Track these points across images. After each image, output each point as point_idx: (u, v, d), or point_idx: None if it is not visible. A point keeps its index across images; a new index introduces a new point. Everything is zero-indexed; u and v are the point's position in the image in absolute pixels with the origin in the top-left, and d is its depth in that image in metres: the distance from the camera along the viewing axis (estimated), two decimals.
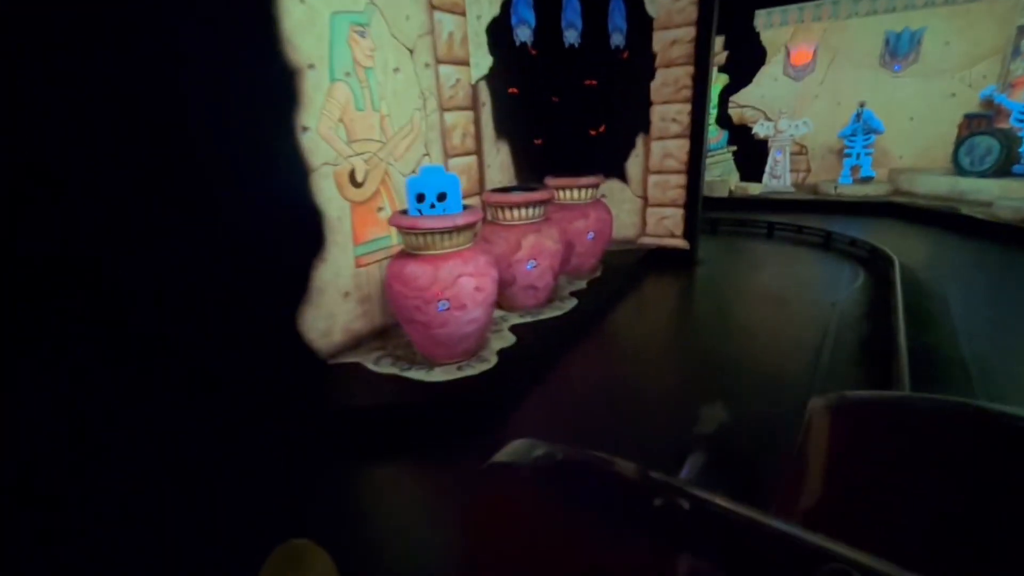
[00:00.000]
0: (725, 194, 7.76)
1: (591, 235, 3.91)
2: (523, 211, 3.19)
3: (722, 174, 8.22)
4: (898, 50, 7.22)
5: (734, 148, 8.35)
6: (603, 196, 4.28)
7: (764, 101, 8.34)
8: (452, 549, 1.59)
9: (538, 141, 4.66)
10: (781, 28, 7.96)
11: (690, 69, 4.40)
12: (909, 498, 0.66)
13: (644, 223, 5.09)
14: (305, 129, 2.56)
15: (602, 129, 5.03)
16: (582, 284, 4.00)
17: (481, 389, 2.58)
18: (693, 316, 4.11)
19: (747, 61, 8.23)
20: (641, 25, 4.46)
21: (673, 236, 4.94)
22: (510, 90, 4.17)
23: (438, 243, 2.50)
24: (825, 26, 7.66)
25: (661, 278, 4.68)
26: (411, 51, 3.16)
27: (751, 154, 8.09)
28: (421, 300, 2.48)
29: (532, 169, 4.55)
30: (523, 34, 3.90)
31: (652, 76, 4.60)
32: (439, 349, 2.67)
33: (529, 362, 2.92)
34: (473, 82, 3.71)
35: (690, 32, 4.31)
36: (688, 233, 4.87)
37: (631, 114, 4.80)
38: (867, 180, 7.26)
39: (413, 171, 3.30)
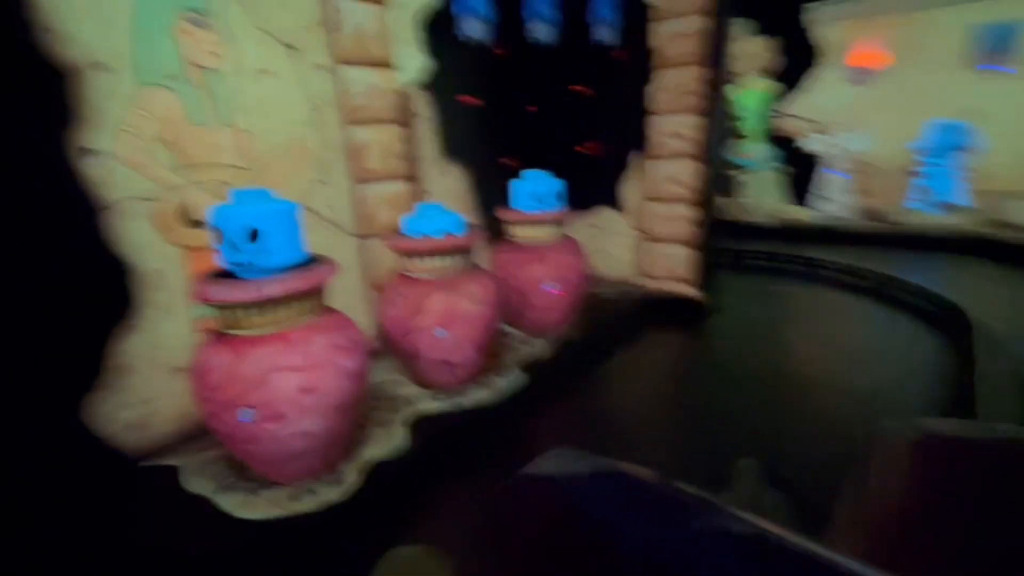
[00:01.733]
0: (764, 219, 6.56)
1: (549, 285, 3.00)
2: (428, 261, 2.34)
3: (762, 195, 7.00)
4: (990, 47, 5.81)
5: (777, 164, 7.11)
6: (597, 226, 3.36)
7: (816, 110, 7.06)
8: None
9: (508, 161, 3.80)
10: (839, 24, 6.70)
11: (696, 70, 3.41)
12: (981, 534, 0.62)
13: (642, 261, 4.10)
14: (90, 152, 1.84)
15: (590, 146, 4.10)
16: (541, 346, 3.09)
17: (307, 539, 1.74)
18: (691, 395, 3.09)
19: (795, 64, 7.00)
20: (635, 15, 3.53)
21: (678, 280, 3.92)
22: (464, 99, 3.35)
23: (242, 319, 1.70)
24: (892, 20, 6.35)
25: (657, 336, 3.68)
26: (291, 48, 2.41)
27: (798, 173, 6.83)
28: (215, 404, 1.68)
29: (500, 197, 3.70)
30: (472, 28, 3.08)
31: (650, 79, 3.65)
32: (264, 467, 1.86)
33: (410, 487, 2.05)
34: (400, 88, 2.92)
35: (697, 22, 3.33)
36: (695, 276, 3.83)
37: (623, 127, 3.85)
38: (946, 207, 5.86)
39: (306, 204, 2.53)
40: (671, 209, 3.80)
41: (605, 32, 3.51)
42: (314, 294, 1.82)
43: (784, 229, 6.43)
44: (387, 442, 2.17)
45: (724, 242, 6.07)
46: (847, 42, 6.64)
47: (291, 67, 2.41)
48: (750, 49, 7.27)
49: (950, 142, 5.71)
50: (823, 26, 6.76)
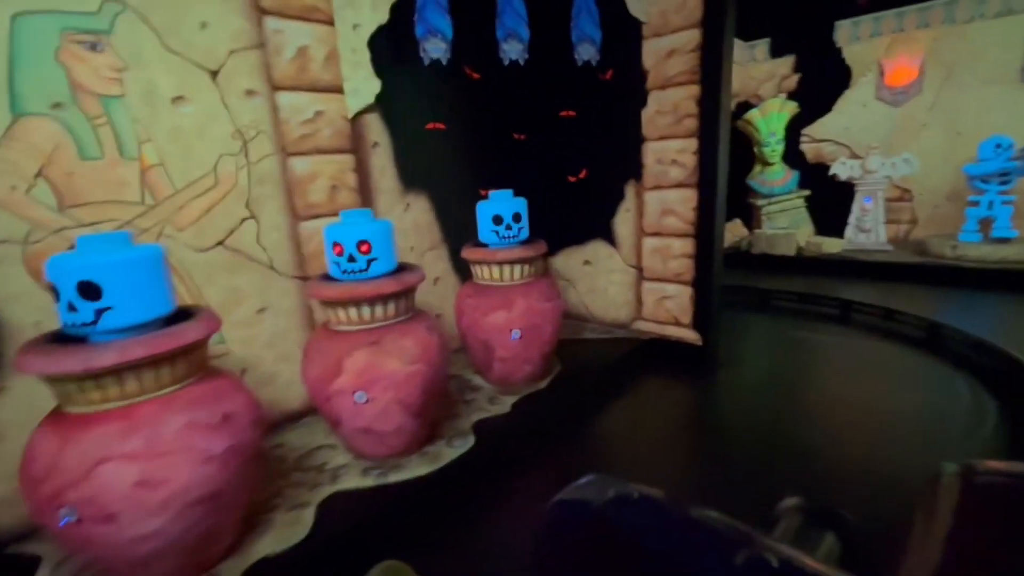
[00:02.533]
0: (792, 252, 5.96)
1: (516, 334, 2.60)
2: (347, 312, 2.00)
3: (789, 226, 6.41)
4: None
5: (807, 193, 6.53)
6: (599, 263, 2.97)
7: (849, 133, 6.48)
8: None
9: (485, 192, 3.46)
10: (872, 41, 6.17)
11: (695, 90, 3.02)
12: None
13: (640, 303, 3.65)
14: None
15: (582, 175, 3.73)
16: (507, 404, 2.68)
17: None
18: (681, 468, 2.58)
19: (825, 85, 6.48)
20: (624, 32, 3.18)
21: (678, 324, 3.44)
22: (431, 126, 3.06)
23: (74, 394, 1.38)
24: (935, 34, 5.78)
25: (653, 393, 3.19)
26: (215, 73, 2.17)
27: (831, 200, 6.23)
28: (37, 500, 1.36)
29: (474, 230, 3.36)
30: (435, 49, 2.80)
31: (643, 102, 3.27)
32: (115, 573, 1.52)
33: None
34: (351, 115, 2.65)
35: (694, 38, 2.96)
36: (700, 321, 3.35)
37: (617, 154, 3.47)
38: (1005, 240, 5.14)
39: (222, 243, 2.26)
40: (670, 244, 3.35)
41: (589, 52, 3.17)
42: (178, 357, 1.50)
43: (817, 262, 5.81)
44: (290, 531, 1.80)
45: (749, 279, 5.55)
46: (882, 60, 6.09)
47: (214, 94, 2.17)
48: (772, 70, 6.81)
49: (1011, 164, 5.03)
50: (854, 44, 6.25)
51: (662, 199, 3.33)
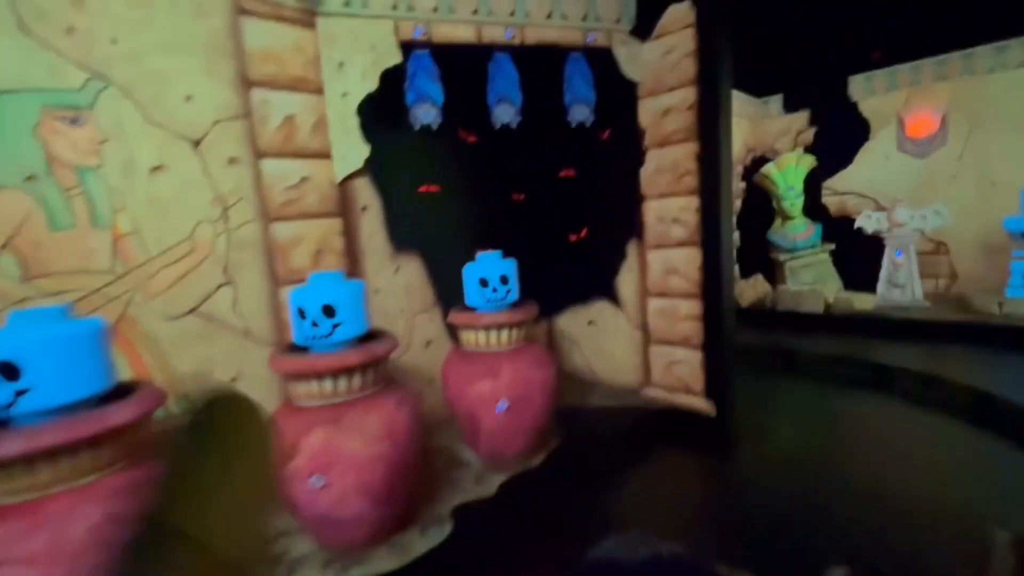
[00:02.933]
0: (819, 309, 5.61)
1: (502, 405, 2.40)
2: (306, 386, 1.86)
3: (815, 281, 6.08)
4: None
5: (831, 247, 6.23)
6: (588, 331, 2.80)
7: (873, 186, 6.26)
8: None
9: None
10: (889, 94, 6.06)
11: (693, 147, 2.92)
12: None
13: (648, 367, 3.40)
14: None
15: (583, 234, 3.62)
16: (494, 484, 2.43)
17: None
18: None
19: (843, 138, 6.35)
20: (619, 92, 3.15)
21: (689, 392, 3.17)
22: (424, 188, 3.04)
23: None
24: (955, 85, 5.63)
25: (661, 470, 2.88)
26: (196, 143, 2.20)
27: (859, 254, 5.91)
28: None
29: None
30: (426, 115, 2.82)
31: (642, 160, 3.19)
32: None
33: None
34: (339, 179, 2.64)
35: (689, 96, 2.89)
36: (712, 390, 3.07)
37: (617, 213, 3.36)
38: None
39: (195, 310, 2.20)
40: (676, 305, 3.15)
41: (583, 113, 3.15)
42: (103, 442, 1.37)
43: (847, 321, 5.43)
44: None
45: (773, 338, 5.21)
46: (902, 112, 5.95)
47: (194, 162, 2.19)
48: (787, 124, 6.75)
49: None
50: (870, 98, 6.15)
51: (665, 258, 3.16)
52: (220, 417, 0.49)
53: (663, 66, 2.97)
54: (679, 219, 3.05)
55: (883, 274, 5.65)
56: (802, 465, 2.83)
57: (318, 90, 2.54)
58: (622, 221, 3.34)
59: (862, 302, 5.56)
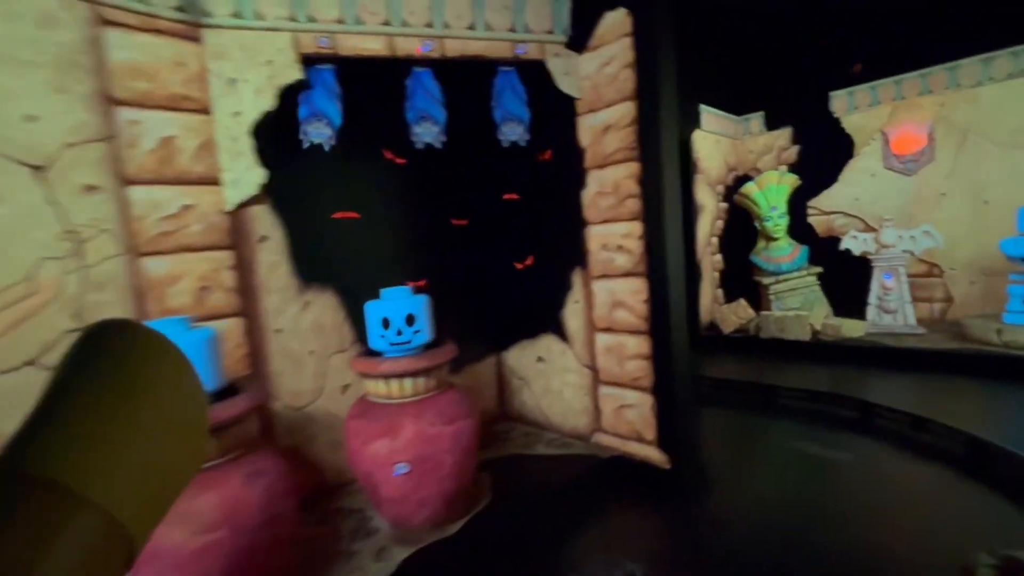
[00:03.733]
0: (806, 336, 5.23)
1: (400, 469, 2.06)
2: None
3: (802, 306, 5.72)
4: None
5: (818, 270, 5.88)
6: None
7: (860, 205, 5.94)
8: None
9: (420, 283, 3.07)
10: (871, 110, 5.79)
11: (634, 168, 2.62)
12: None
13: (597, 411, 3.05)
14: None
15: (529, 261, 3.32)
16: (397, 560, 2.07)
17: None
18: None
19: (826, 155, 6.06)
20: (555, 109, 2.88)
21: (641, 441, 2.80)
22: (340, 215, 2.75)
23: None
24: (941, 99, 5.35)
25: (608, 529, 2.50)
26: (39, 170, 1.92)
27: (848, 278, 5.56)
28: None
29: None
30: (318, 133, 2.54)
31: (583, 183, 2.90)
32: None
33: None
34: (230, 207, 2.36)
35: (628, 111, 2.61)
36: (665, 439, 2.71)
37: (561, 239, 3.06)
38: None
39: (33, 362, 1.89)
40: (623, 342, 2.81)
41: (516, 132, 2.87)
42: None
43: (836, 349, 5.05)
44: None
45: (754, 370, 4.85)
46: (886, 127, 5.66)
47: (36, 191, 1.91)
48: (769, 143, 6.48)
49: None
50: (852, 114, 5.88)
51: (610, 289, 2.84)
52: (116, 347, 0.34)
53: (601, 79, 2.70)
54: (623, 246, 2.73)
55: (872, 299, 5.29)
56: (769, 524, 2.44)
57: (204, 109, 2.28)
58: (565, 248, 3.03)
59: (851, 329, 5.18)
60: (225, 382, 1.77)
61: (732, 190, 6.44)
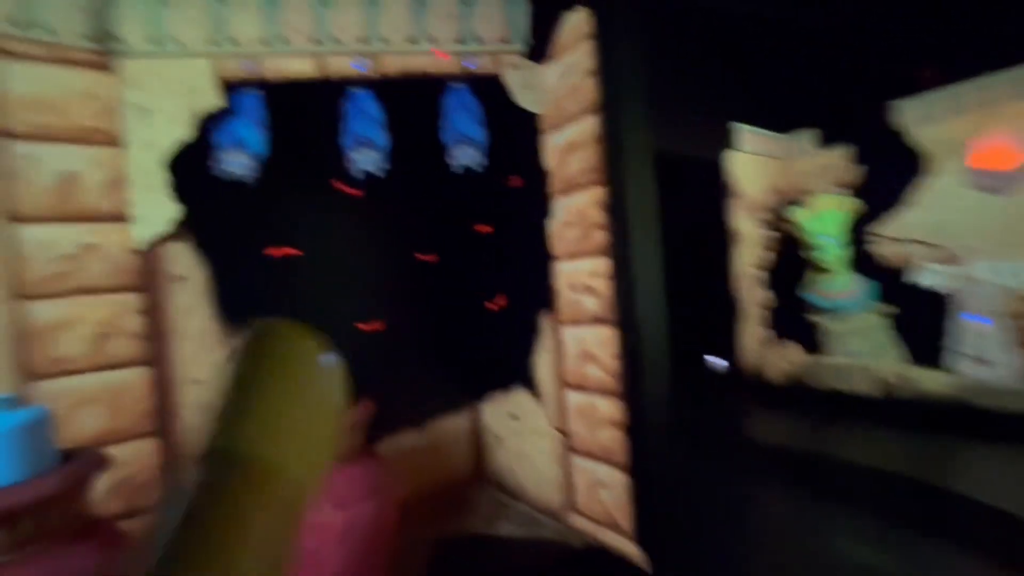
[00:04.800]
0: (872, 390, 4.32)
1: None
2: None
3: (868, 352, 4.78)
4: None
5: (891, 309, 4.92)
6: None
7: (942, 231, 4.96)
8: None
9: (372, 326, 2.75)
10: (951, 119, 4.87)
11: (599, 193, 2.16)
12: None
13: (570, 484, 2.51)
14: None
15: (501, 302, 2.89)
16: None
17: None
18: None
19: (895, 175, 5.16)
20: (517, 128, 2.50)
21: (616, 530, 2.23)
22: (276, 252, 2.50)
23: None
24: None
25: None
26: None
27: (929, 319, 4.58)
28: None
29: (356, 378, 2.61)
30: (234, 164, 2.30)
31: (548, 211, 2.46)
32: None
33: None
34: (140, 246, 2.17)
35: (592, 126, 2.17)
36: (643, 533, 2.12)
37: (530, 277, 2.62)
38: None
39: None
40: (595, 404, 2.29)
41: (469, 155, 2.50)
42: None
43: (912, 407, 4.11)
44: None
45: (798, 431, 4.04)
46: (971, 139, 4.72)
47: None
48: (824, 163, 5.66)
49: None
50: (927, 125, 4.99)
51: (579, 338, 2.35)
52: (276, 344, 0.42)
53: (563, 91, 2.30)
54: (590, 287, 2.25)
55: (960, 346, 4.29)
56: None
57: (115, 142, 2.12)
58: (533, 288, 2.58)
59: (932, 382, 4.22)
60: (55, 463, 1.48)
61: (782, 217, 5.66)
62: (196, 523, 0.32)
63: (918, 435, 3.77)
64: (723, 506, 2.84)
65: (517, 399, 2.84)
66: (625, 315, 2.09)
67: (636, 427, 2.10)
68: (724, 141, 5.20)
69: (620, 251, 2.08)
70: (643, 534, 2.12)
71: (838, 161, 5.57)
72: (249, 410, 0.38)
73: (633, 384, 2.09)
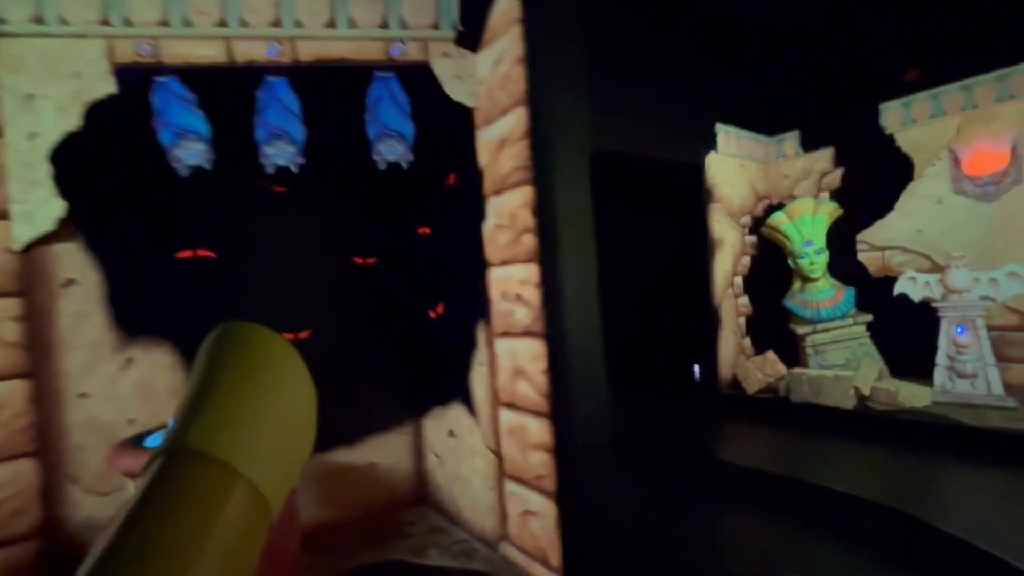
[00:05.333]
0: (849, 403, 4.11)
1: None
2: None
3: (847, 363, 4.58)
4: None
5: (867, 318, 4.73)
6: None
7: (923, 238, 4.78)
8: None
9: (301, 335, 2.54)
10: (934, 122, 4.69)
11: (529, 193, 1.96)
12: None
13: (503, 511, 2.29)
14: None
15: (440, 310, 2.69)
16: None
17: None
18: None
19: (879, 180, 4.98)
20: (448, 122, 2.30)
21: (547, 566, 2.02)
22: (187, 254, 2.30)
23: None
24: None
25: None
26: None
27: (911, 329, 4.38)
28: None
29: None
30: (190, 155, 2.09)
31: (483, 213, 2.26)
32: None
33: None
34: (19, 246, 1.96)
35: (522, 119, 1.98)
36: (573, 569, 1.91)
37: (465, 285, 2.42)
38: None
39: None
40: (526, 424, 2.08)
41: (396, 151, 2.30)
42: None
43: (891, 423, 3.90)
44: None
45: (774, 449, 3.84)
46: (954, 143, 4.54)
47: None
48: (808, 166, 5.47)
49: None
50: (910, 128, 4.80)
51: (512, 352, 2.15)
52: (246, 347, 0.38)
53: (495, 81, 2.10)
54: (521, 296, 2.05)
55: (940, 358, 4.10)
56: None
57: None
58: (469, 296, 2.38)
59: (913, 396, 4.01)
60: None
61: (761, 223, 5.47)
62: (147, 524, 0.28)
63: (896, 449, 3.57)
64: (672, 537, 2.63)
65: (455, 416, 2.63)
66: (553, 327, 1.88)
67: (564, 451, 1.90)
68: (702, 142, 5.00)
69: (551, 257, 1.88)
70: (573, 571, 1.91)
71: (821, 165, 5.39)
72: (217, 411, 0.34)
73: (561, 403, 1.88)
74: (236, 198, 2.39)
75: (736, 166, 5.45)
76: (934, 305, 4.12)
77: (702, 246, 5.07)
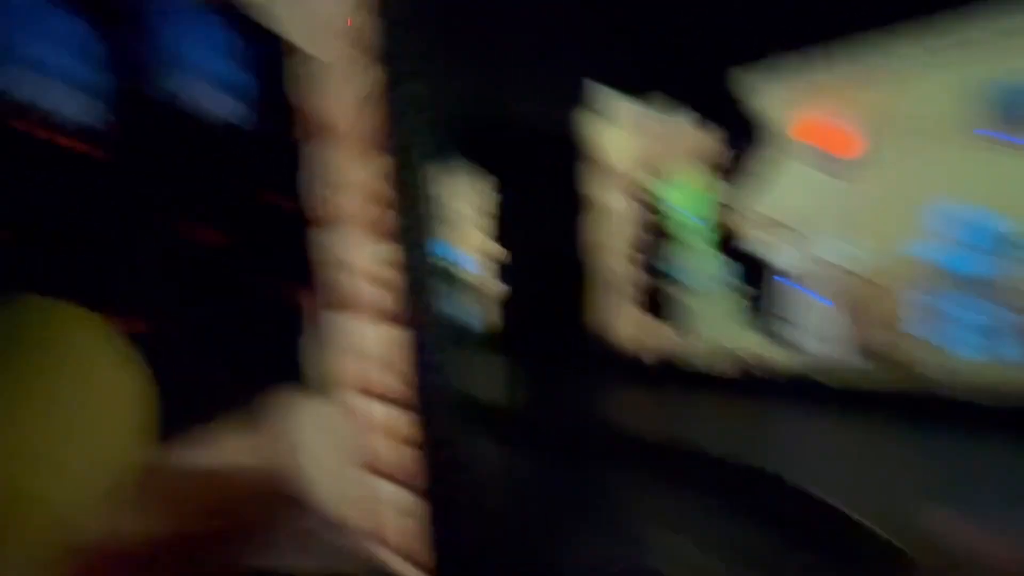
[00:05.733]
0: (724, 366, 4.44)
1: None
2: None
3: (710, 326, 4.92)
4: (1006, 112, 3.94)
5: (740, 284, 5.12)
6: None
7: (786, 209, 5.20)
8: None
9: (136, 325, 2.08)
10: (785, 93, 5.01)
11: (382, 160, 1.71)
12: None
13: (374, 509, 2.10)
14: None
15: (292, 289, 2.37)
16: None
17: None
18: None
19: (746, 150, 5.28)
20: (284, 71, 1.96)
21: (417, 565, 1.87)
22: None
23: None
24: (878, 83, 4.63)
25: None
26: None
27: (775, 297, 4.77)
28: None
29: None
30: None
31: (330, 181, 1.97)
32: None
33: None
34: None
35: (370, 71, 1.70)
36: (444, 565, 1.78)
37: (314, 262, 2.12)
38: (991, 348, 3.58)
39: None
40: (389, 414, 1.89)
41: (224, 103, 1.92)
42: None
43: (756, 383, 4.26)
44: None
45: (651, 409, 4.02)
46: (807, 115, 4.93)
47: None
48: (677, 132, 5.70)
49: (981, 241, 3.63)
50: (768, 97, 5.07)
51: (375, 336, 1.92)
52: (43, 329, 0.34)
53: (334, 18, 1.79)
54: (376, 274, 1.82)
55: (802, 323, 4.53)
56: None
57: None
58: (319, 273, 2.09)
59: (769, 352, 4.41)
60: None
61: (646, 190, 5.61)
62: None
63: (765, 410, 3.89)
64: (555, 524, 2.59)
65: (317, 406, 2.35)
66: (416, 310, 1.68)
67: (428, 441, 1.73)
68: (577, 102, 4.87)
69: (411, 226, 1.66)
70: (443, 570, 1.77)
71: (696, 133, 5.61)
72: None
73: (422, 390, 1.71)
74: (25, 157, 1.86)
75: (623, 132, 5.49)
76: (796, 274, 4.50)
77: (575, 209, 5.05)
